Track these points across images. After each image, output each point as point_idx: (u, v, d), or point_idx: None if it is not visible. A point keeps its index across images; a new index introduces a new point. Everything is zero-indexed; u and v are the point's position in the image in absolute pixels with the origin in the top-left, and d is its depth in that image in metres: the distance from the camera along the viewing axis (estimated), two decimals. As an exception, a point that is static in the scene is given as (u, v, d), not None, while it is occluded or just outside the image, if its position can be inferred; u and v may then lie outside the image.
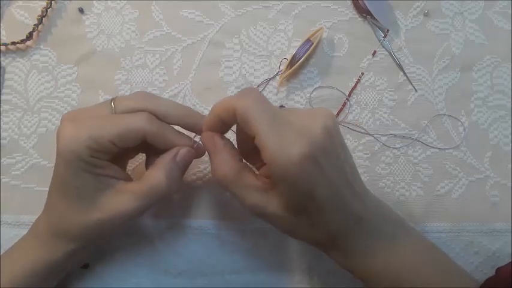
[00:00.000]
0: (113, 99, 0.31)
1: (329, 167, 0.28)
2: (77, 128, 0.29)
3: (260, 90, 0.42)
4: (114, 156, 0.31)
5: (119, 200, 0.31)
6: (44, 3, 0.42)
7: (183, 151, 0.32)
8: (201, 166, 0.41)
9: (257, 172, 0.34)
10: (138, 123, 0.30)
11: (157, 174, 0.31)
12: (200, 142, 0.33)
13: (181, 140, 0.33)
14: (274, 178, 0.29)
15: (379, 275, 0.31)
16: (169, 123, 0.33)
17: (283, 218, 0.30)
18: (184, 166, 0.33)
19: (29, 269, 0.31)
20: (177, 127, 0.33)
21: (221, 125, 0.31)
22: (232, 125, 0.32)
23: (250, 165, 0.34)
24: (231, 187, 0.31)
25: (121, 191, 0.31)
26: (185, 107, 0.34)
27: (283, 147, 0.27)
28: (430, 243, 0.33)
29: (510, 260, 0.40)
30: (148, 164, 0.34)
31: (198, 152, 0.34)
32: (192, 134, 0.34)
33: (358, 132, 0.42)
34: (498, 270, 0.32)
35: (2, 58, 0.42)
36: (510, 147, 0.43)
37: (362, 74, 0.43)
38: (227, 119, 0.30)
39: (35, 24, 0.42)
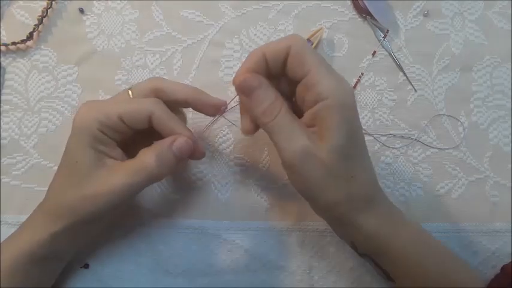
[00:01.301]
0: (130, 88, 0.33)
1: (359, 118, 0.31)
2: (91, 107, 0.32)
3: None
4: (122, 140, 0.33)
5: (107, 176, 0.31)
6: (45, 4, 0.42)
7: (180, 139, 0.32)
8: (201, 166, 0.41)
9: None
10: (146, 103, 0.32)
11: (148, 155, 0.31)
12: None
13: (183, 130, 0.33)
14: (333, 111, 0.28)
15: (409, 244, 0.31)
16: (178, 102, 0.33)
17: (328, 166, 0.29)
18: (180, 154, 0.32)
19: (14, 254, 0.32)
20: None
21: (262, 70, 0.31)
22: (273, 71, 0.31)
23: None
24: (278, 126, 0.29)
25: (112, 168, 0.32)
26: (194, 87, 0.34)
27: (339, 80, 0.29)
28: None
29: (510, 260, 0.40)
30: None
31: (197, 148, 0.33)
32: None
33: (358, 132, 0.42)
34: (503, 268, 0.32)
35: (3, 58, 0.42)
36: (510, 147, 0.43)
37: (362, 74, 0.43)
38: (275, 60, 0.30)
39: (35, 25, 0.42)
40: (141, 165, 0.31)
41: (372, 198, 0.31)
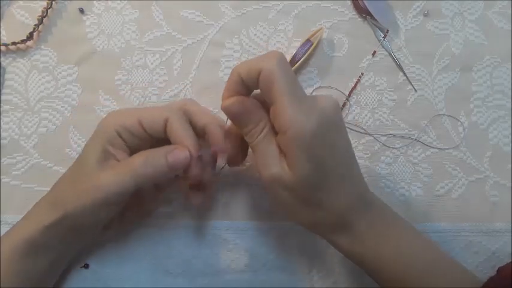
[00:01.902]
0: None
1: (340, 139, 0.30)
2: (116, 112, 0.34)
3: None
4: (138, 149, 0.33)
5: (101, 174, 0.31)
6: (45, 4, 0.42)
7: (178, 151, 0.32)
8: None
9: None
10: (165, 109, 0.33)
11: (138, 156, 0.32)
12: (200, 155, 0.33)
13: (191, 143, 0.32)
14: (290, 145, 0.28)
15: (389, 261, 0.31)
16: (197, 123, 0.34)
17: (295, 193, 0.30)
18: (173, 164, 0.31)
19: (10, 245, 0.32)
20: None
21: (242, 89, 0.31)
22: (253, 91, 0.31)
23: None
24: (257, 148, 0.31)
25: (109, 168, 0.32)
26: (217, 117, 0.36)
27: (304, 112, 0.28)
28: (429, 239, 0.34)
29: (510, 260, 0.40)
30: None
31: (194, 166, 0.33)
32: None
33: (358, 132, 0.42)
34: (499, 269, 0.32)
35: (3, 58, 0.42)
36: (510, 147, 0.43)
37: (362, 74, 0.43)
38: (250, 82, 0.30)
39: (35, 25, 0.42)
40: (128, 164, 0.31)
41: (345, 222, 0.31)
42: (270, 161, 0.30)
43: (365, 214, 0.31)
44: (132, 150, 0.33)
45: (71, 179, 0.33)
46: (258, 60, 0.29)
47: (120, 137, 0.32)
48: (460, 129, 0.43)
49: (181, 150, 0.32)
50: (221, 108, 0.31)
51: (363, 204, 0.31)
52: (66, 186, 0.33)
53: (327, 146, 0.29)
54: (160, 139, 0.33)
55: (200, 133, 0.34)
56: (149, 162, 0.31)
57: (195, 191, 0.35)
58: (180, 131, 0.32)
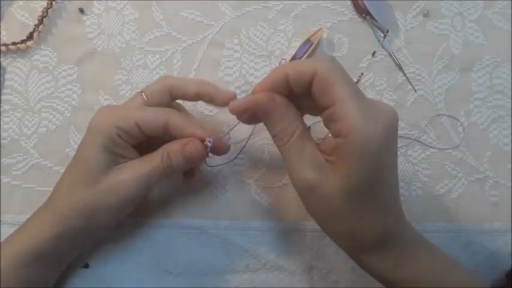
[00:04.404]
0: (142, 90, 0.34)
1: (395, 150, 0.28)
2: (109, 111, 0.33)
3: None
4: (138, 143, 0.33)
5: (118, 172, 0.32)
6: (45, 4, 0.42)
7: (191, 144, 0.32)
8: (202, 166, 0.41)
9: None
10: (162, 112, 0.33)
11: (157, 157, 0.32)
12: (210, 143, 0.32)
13: (201, 132, 0.32)
14: (350, 151, 0.26)
15: (427, 283, 0.29)
16: (190, 96, 0.34)
17: (332, 199, 0.27)
18: (190, 156, 0.32)
19: (15, 251, 0.32)
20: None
21: (283, 89, 0.29)
22: (297, 91, 0.29)
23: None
24: (288, 152, 0.28)
25: (124, 166, 0.32)
26: (202, 80, 0.35)
27: (369, 117, 0.25)
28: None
29: (510, 260, 0.40)
30: None
31: (218, 145, 0.33)
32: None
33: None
34: (508, 275, 0.32)
35: (3, 58, 0.42)
36: (510, 147, 0.43)
37: (362, 74, 0.43)
38: (298, 82, 0.28)
39: (35, 25, 0.42)
40: (149, 159, 0.32)
41: (385, 239, 0.28)
42: (305, 166, 0.28)
43: (401, 234, 0.29)
44: (133, 145, 0.33)
45: (80, 184, 0.32)
46: (309, 62, 0.27)
47: (120, 137, 0.32)
48: (460, 129, 0.43)
49: (192, 144, 0.32)
50: (250, 102, 0.29)
51: (400, 223, 0.29)
52: (78, 192, 0.32)
53: (389, 157, 0.27)
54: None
55: (194, 99, 0.35)
56: (168, 157, 0.32)
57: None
58: (187, 128, 0.32)
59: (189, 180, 0.38)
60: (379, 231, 0.28)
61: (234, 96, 0.33)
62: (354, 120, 0.25)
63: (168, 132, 0.33)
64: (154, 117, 0.32)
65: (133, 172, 0.32)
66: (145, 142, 0.34)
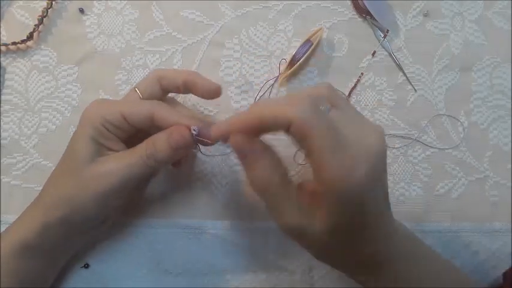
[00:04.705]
0: (135, 86, 0.34)
1: (382, 185, 0.28)
2: (99, 103, 0.33)
3: (261, 94, 0.42)
4: (127, 137, 0.34)
5: (104, 162, 0.32)
6: (45, 4, 0.42)
7: (177, 131, 0.31)
8: (202, 166, 0.41)
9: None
10: (148, 104, 0.33)
11: (141, 148, 0.32)
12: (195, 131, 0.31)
13: (187, 121, 0.32)
14: (330, 198, 0.26)
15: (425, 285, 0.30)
16: (179, 87, 0.34)
17: (322, 240, 0.28)
18: (176, 144, 0.31)
19: (5, 245, 0.32)
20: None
21: (258, 131, 0.28)
22: (270, 133, 0.28)
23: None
24: (270, 200, 0.29)
25: (110, 156, 0.33)
26: (191, 70, 0.36)
27: (347, 167, 0.25)
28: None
29: (510, 260, 0.40)
30: None
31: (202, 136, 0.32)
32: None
33: (358, 132, 0.42)
34: (505, 274, 0.32)
35: (3, 58, 0.42)
36: (510, 147, 0.43)
37: (362, 74, 0.43)
38: (272, 127, 0.27)
39: (35, 25, 0.42)
40: (134, 150, 0.32)
41: (378, 262, 0.30)
42: (286, 210, 0.28)
43: (393, 254, 0.30)
44: (121, 138, 0.34)
45: (66, 174, 0.33)
46: (284, 106, 0.26)
47: (107, 129, 0.32)
48: (460, 129, 0.43)
49: (177, 131, 0.32)
50: (230, 143, 0.29)
51: (393, 243, 0.30)
52: (64, 182, 0.32)
53: (374, 194, 0.27)
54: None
55: (183, 90, 0.35)
56: (152, 145, 0.32)
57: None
58: (172, 118, 0.32)
59: (176, 168, 0.38)
60: (370, 259, 0.30)
61: (219, 89, 0.34)
62: (331, 174, 0.25)
63: (154, 124, 0.32)
64: (140, 109, 0.32)
65: (116, 163, 0.32)
66: (136, 137, 0.34)
